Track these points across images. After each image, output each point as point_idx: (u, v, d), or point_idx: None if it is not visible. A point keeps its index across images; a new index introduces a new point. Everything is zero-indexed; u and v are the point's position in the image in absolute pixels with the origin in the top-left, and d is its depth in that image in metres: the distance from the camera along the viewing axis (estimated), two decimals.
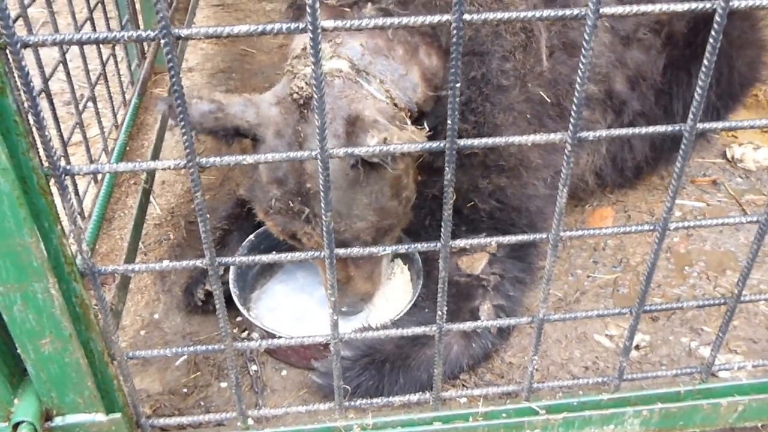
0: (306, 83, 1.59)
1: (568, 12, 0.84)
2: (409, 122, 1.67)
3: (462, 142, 0.97)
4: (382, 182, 1.64)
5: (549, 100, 1.87)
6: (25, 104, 0.91)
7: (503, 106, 1.80)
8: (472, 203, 1.91)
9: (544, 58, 1.83)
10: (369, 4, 1.67)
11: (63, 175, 0.94)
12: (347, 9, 1.68)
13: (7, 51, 0.83)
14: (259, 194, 1.73)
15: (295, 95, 1.60)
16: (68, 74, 1.81)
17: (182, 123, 0.90)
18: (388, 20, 0.87)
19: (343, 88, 1.61)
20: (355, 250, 1.10)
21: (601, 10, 0.83)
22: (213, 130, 1.59)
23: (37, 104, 0.87)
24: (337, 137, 1.56)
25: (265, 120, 1.63)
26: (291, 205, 1.65)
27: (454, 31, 0.85)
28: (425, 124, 1.79)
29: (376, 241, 1.75)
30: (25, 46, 0.82)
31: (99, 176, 1.90)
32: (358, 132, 1.49)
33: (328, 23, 0.85)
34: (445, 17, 0.86)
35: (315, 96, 0.89)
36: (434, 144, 0.99)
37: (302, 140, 1.60)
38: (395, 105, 1.66)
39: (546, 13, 0.86)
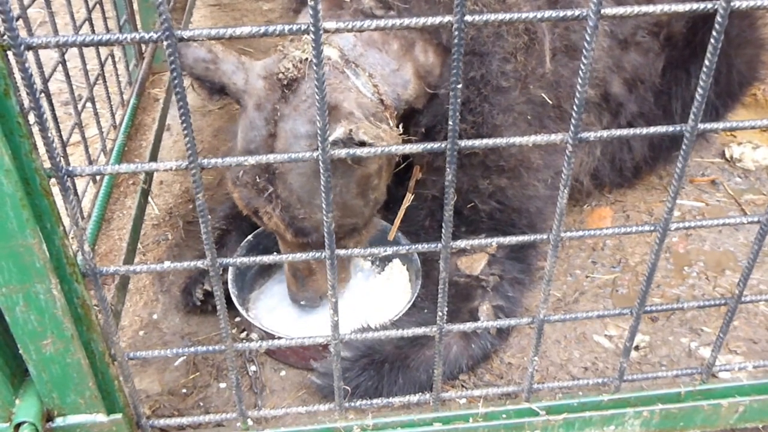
0: (293, 65, 1.61)
1: (569, 12, 0.84)
2: (391, 121, 1.67)
3: (463, 142, 0.97)
4: (349, 178, 1.64)
5: (550, 102, 1.87)
6: (26, 105, 0.91)
7: (503, 107, 1.80)
8: (472, 204, 1.91)
9: (547, 60, 1.83)
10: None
11: (65, 176, 0.94)
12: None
13: (10, 53, 0.83)
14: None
15: (280, 75, 1.61)
16: (67, 75, 1.81)
17: (184, 124, 0.90)
18: (390, 21, 0.87)
19: (329, 76, 1.61)
20: (357, 251, 1.10)
21: (602, 11, 0.84)
22: (201, 77, 1.63)
23: (41, 105, 0.87)
24: (312, 123, 1.57)
25: (251, 89, 1.65)
26: (257, 180, 1.65)
27: (456, 32, 0.85)
28: (421, 122, 1.79)
29: (338, 239, 1.75)
30: (29, 48, 0.82)
31: (98, 177, 1.90)
32: (331, 121, 1.49)
33: (330, 25, 0.85)
34: (447, 18, 0.86)
35: (317, 97, 0.89)
36: (435, 145, 0.99)
37: (278, 118, 1.61)
38: (381, 101, 1.66)
39: (547, 13, 0.86)
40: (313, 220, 1.66)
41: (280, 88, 1.62)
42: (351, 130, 1.41)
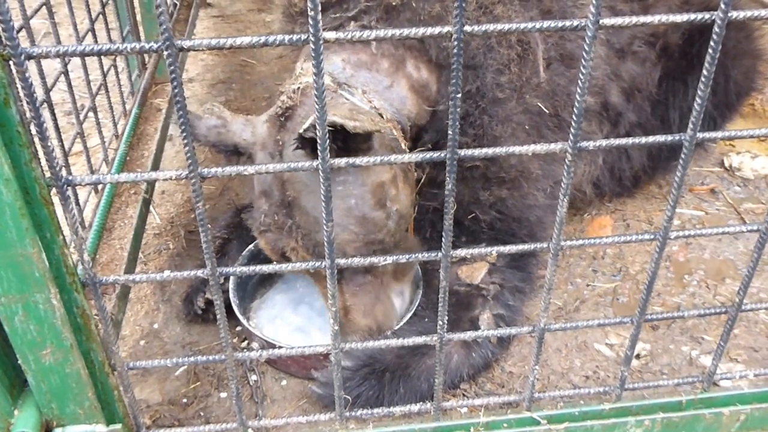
0: (288, 96, 1.64)
1: (568, 23, 0.85)
2: (396, 133, 1.67)
3: (463, 152, 0.97)
4: (362, 188, 1.61)
5: (547, 111, 1.88)
6: (28, 115, 0.92)
7: (501, 118, 1.81)
8: (473, 215, 1.91)
9: (541, 69, 1.84)
10: (352, 23, 1.69)
11: (65, 186, 0.94)
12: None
13: (11, 62, 0.83)
14: (255, 213, 1.76)
15: (278, 109, 1.64)
16: (69, 85, 1.81)
17: (184, 134, 0.90)
18: (389, 32, 0.88)
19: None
20: (356, 260, 1.10)
21: (600, 22, 0.84)
22: (215, 143, 1.69)
23: (41, 115, 0.87)
24: None
25: (258, 138, 1.69)
26: (276, 218, 1.67)
27: (455, 43, 0.85)
28: (425, 138, 1.80)
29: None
30: (29, 57, 0.82)
31: (99, 186, 1.90)
32: None
33: (330, 34, 0.86)
34: (446, 29, 0.86)
35: (316, 107, 0.90)
36: (435, 154, 0.99)
37: (281, 148, 1.63)
38: (380, 115, 1.67)
39: (546, 24, 0.86)
40: (338, 240, 1.63)
41: (278, 120, 1.64)
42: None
